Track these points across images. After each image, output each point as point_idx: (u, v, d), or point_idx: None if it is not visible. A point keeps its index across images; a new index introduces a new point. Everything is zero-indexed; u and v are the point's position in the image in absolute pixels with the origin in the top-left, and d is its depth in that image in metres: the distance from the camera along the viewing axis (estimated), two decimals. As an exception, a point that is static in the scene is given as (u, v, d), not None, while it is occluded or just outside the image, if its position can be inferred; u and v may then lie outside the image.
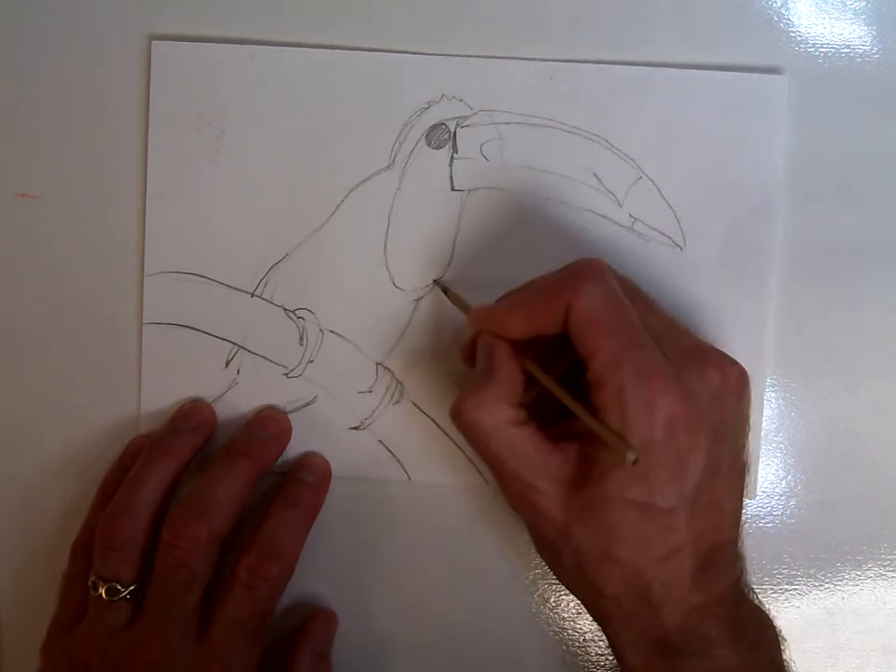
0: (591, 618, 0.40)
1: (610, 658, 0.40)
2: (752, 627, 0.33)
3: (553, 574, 0.35)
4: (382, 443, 0.39)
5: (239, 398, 0.39)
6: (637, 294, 0.34)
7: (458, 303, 0.38)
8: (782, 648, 0.34)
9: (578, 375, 0.32)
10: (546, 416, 0.34)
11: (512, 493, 0.34)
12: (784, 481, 0.40)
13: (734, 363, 0.33)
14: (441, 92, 0.38)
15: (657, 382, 0.30)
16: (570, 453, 0.33)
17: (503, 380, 0.33)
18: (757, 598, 0.34)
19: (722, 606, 0.32)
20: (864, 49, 0.39)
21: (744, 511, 0.34)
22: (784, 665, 0.34)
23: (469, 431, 0.33)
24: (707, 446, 0.31)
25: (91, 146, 0.39)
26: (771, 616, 0.34)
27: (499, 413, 0.32)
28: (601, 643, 0.40)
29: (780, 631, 0.34)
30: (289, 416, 0.39)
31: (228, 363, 0.39)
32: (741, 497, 0.34)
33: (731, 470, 0.33)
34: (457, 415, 0.33)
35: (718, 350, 0.33)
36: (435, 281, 0.39)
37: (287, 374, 0.39)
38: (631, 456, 0.30)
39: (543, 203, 0.39)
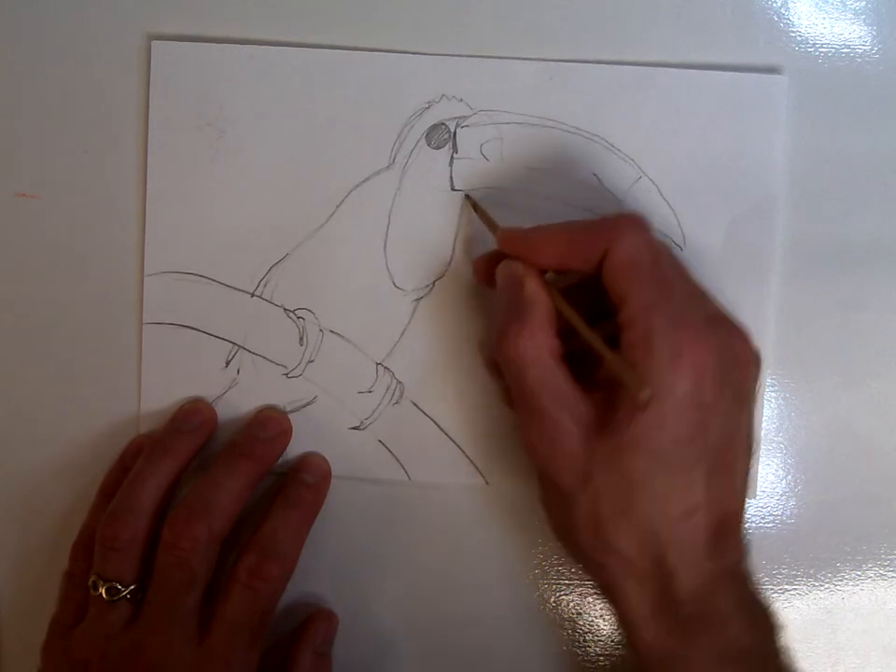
0: (591, 615, 0.40)
1: (610, 658, 0.40)
2: (760, 609, 0.33)
3: (559, 539, 0.35)
4: (382, 443, 0.39)
5: (239, 398, 0.39)
6: (674, 256, 0.34)
7: (486, 221, 0.37)
8: (783, 635, 0.34)
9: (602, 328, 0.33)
10: (574, 369, 0.34)
11: (537, 430, 0.33)
12: (784, 481, 0.40)
13: (753, 340, 0.33)
14: (441, 92, 0.38)
15: (688, 332, 0.31)
16: (597, 399, 0.33)
17: (543, 309, 0.33)
18: (761, 588, 0.34)
19: (733, 580, 0.32)
20: (864, 49, 0.39)
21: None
22: (787, 652, 0.33)
23: (513, 362, 0.33)
24: (728, 406, 0.32)
25: (91, 146, 0.39)
26: (772, 605, 0.34)
27: (542, 341, 0.32)
28: (601, 643, 0.40)
29: (780, 619, 0.34)
30: (289, 416, 0.39)
31: (228, 363, 0.39)
32: (748, 472, 0.34)
33: (744, 442, 0.33)
34: (503, 346, 0.33)
35: (742, 325, 0.34)
36: (466, 195, 0.39)
37: (287, 374, 0.39)
38: (645, 394, 0.30)
39: (543, 202, 0.39)
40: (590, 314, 0.33)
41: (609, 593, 0.34)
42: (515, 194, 0.39)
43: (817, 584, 0.40)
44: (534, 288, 0.34)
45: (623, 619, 0.34)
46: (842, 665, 0.40)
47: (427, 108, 0.39)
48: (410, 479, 0.39)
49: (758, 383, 0.34)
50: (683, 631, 0.32)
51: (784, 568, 0.40)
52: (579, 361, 0.34)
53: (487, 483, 0.39)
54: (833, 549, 0.40)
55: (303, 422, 0.39)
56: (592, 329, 0.32)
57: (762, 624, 0.33)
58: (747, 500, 0.34)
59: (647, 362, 0.31)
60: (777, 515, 0.40)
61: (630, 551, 0.32)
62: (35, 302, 0.40)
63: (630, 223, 0.33)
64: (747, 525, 0.34)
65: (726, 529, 0.32)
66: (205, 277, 0.39)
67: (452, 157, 0.39)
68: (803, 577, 0.40)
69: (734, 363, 0.32)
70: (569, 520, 0.33)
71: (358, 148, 0.39)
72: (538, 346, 0.32)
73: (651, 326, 0.31)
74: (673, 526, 0.31)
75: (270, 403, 0.39)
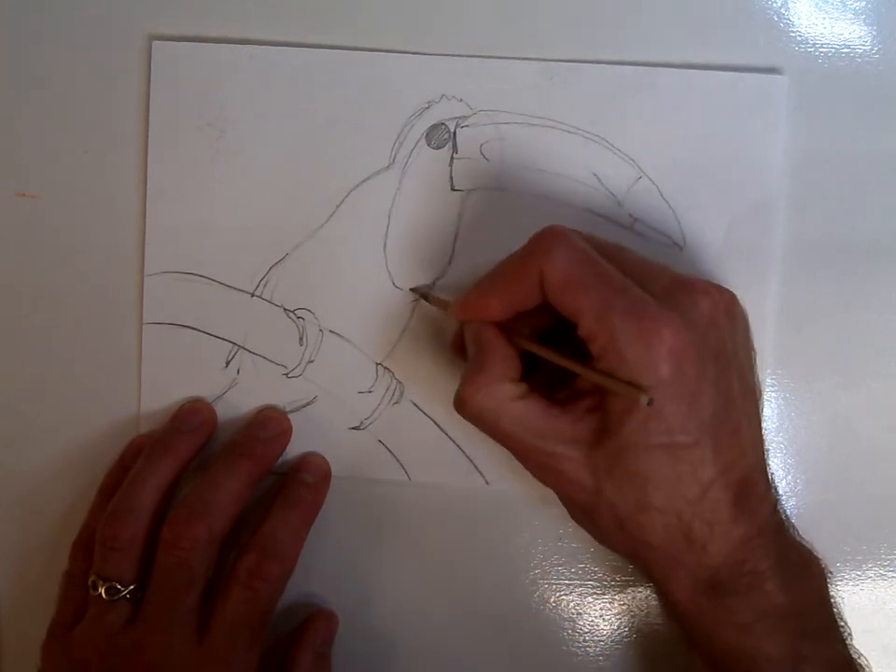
0: (591, 615, 0.40)
1: (610, 658, 0.40)
2: (798, 559, 0.33)
3: (595, 539, 0.35)
4: (382, 443, 0.39)
5: (239, 398, 0.39)
6: (607, 246, 0.34)
7: (439, 304, 0.38)
8: (829, 582, 0.34)
9: (571, 334, 0.33)
10: (550, 386, 0.34)
11: (535, 467, 0.33)
12: (784, 481, 0.40)
13: (721, 288, 0.33)
14: (440, 92, 0.38)
15: (648, 319, 0.30)
16: (580, 411, 0.33)
17: (496, 360, 0.33)
18: (799, 534, 0.34)
19: (766, 535, 0.32)
20: (864, 49, 0.39)
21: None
22: (831, 601, 0.34)
23: (477, 417, 0.33)
24: (715, 373, 0.31)
25: (91, 146, 0.39)
26: (814, 549, 0.34)
27: (500, 392, 0.33)
28: (601, 643, 0.40)
29: (825, 565, 0.34)
30: (289, 416, 0.39)
31: (228, 363, 0.39)
32: (759, 422, 0.34)
33: (743, 396, 0.33)
34: (461, 405, 0.33)
35: (702, 279, 0.33)
36: (412, 289, 0.39)
37: (287, 374, 0.39)
38: (644, 399, 0.29)
39: (543, 202, 0.39)
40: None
41: (648, 575, 0.34)
42: (515, 194, 0.39)
43: (817, 584, 0.40)
44: (487, 339, 0.34)
45: (661, 592, 0.34)
46: (842, 665, 0.40)
47: (427, 108, 0.39)
48: (410, 479, 0.39)
49: (741, 326, 0.34)
50: (719, 596, 0.32)
51: (784, 568, 0.40)
52: (562, 378, 0.34)
53: (487, 482, 0.39)
54: (833, 549, 0.40)
55: (303, 422, 0.39)
56: (565, 356, 0.32)
57: (799, 576, 0.33)
58: (765, 447, 0.34)
59: (621, 366, 0.30)
60: (777, 515, 0.40)
61: (658, 540, 0.32)
62: (35, 302, 0.40)
63: (549, 241, 0.32)
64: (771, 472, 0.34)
65: (748, 488, 0.32)
66: (205, 277, 0.39)
67: (452, 157, 0.39)
68: (803, 577, 0.40)
69: (706, 325, 0.32)
70: (596, 528, 0.34)
71: (358, 148, 0.39)
72: (494, 397, 0.32)
73: (612, 330, 0.30)
74: (693, 507, 0.31)
75: (270, 403, 0.39)
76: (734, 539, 0.32)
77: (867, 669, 0.34)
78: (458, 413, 0.34)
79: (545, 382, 0.34)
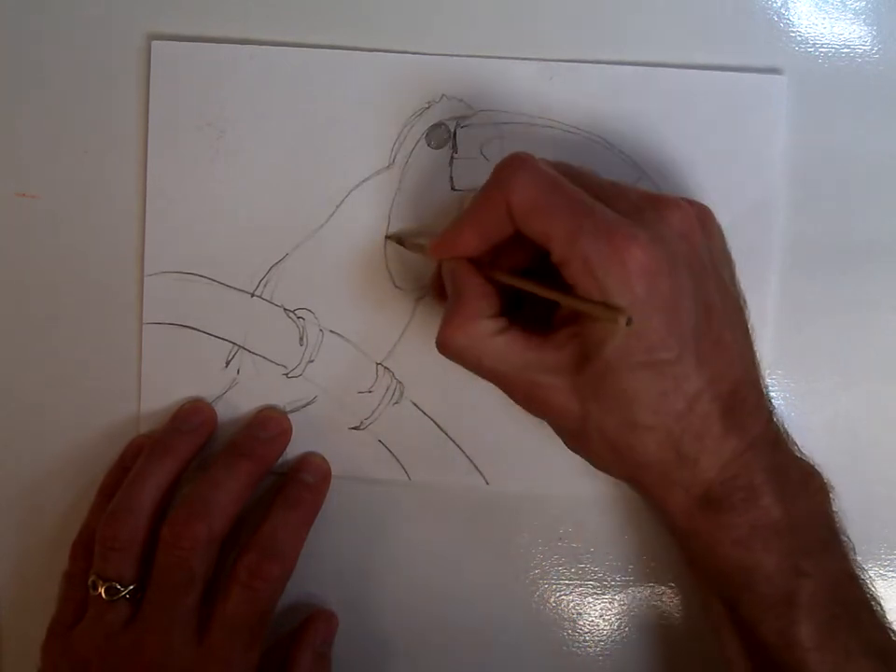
0: (591, 615, 0.40)
1: (610, 658, 0.40)
2: (796, 474, 0.33)
3: (592, 465, 0.35)
4: (382, 443, 0.39)
5: (239, 398, 0.39)
6: (574, 169, 0.34)
7: (416, 248, 0.37)
8: (830, 496, 0.33)
9: (550, 271, 0.32)
10: (533, 324, 0.34)
11: (523, 398, 0.33)
12: (784, 481, 0.40)
13: (691, 201, 0.33)
14: (441, 92, 0.38)
15: (618, 238, 0.30)
16: (561, 339, 0.32)
17: (472, 296, 0.33)
18: (798, 450, 0.34)
19: (759, 449, 0.32)
20: (864, 49, 0.39)
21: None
22: (832, 516, 0.33)
23: (459, 357, 0.33)
24: (691, 286, 0.31)
25: (91, 146, 0.39)
26: (816, 466, 0.34)
27: (479, 329, 0.32)
28: (601, 643, 0.40)
29: (827, 480, 0.34)
30: (289, 416, 0.39)
31: (228, 363, 0.39)
32: (746, 333, 0.34)
33: (725, 306, 0.32)
34: (442, 346, 0.33)
35: (670, 194, 0.33)
36: (388, 236, 0.39)
37: (287, 374, 0.39)
38: (623, 320, 0.29)
39: (543, 202, 0.39)
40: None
41: (645, 496, 0.34)
42: (515, 194, 0.39)
43: (817, 584, 0.40)
44: (462, 276, 0.33)
45: (659, 511, 0.34)
46: (842, 665, 0.40)
47: (427, 108, 0.39)
48: (410, 479, 0.40)
49: (716, 237, 0.33)
50: (715, 512, 0.32)
51: (784, 568, 0.40)
52: (537, 314, 0.33)
53: (487, 483, 0.39)
54: (834, 549, 0.40)
55: (303, 422, 0.39)
56: (542, 285, 0.32)
57: (797, 492, 0.33)
58: (756, 360, 0.34)
59: (595, 289, 0.30)
60: (777, 515, 0.40)
61: (650, 458, 0.32)
62: (34, 302, 0.40)
63: (512, 168, 0.32)
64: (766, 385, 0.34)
65: (738, 401, 0.32)
66: (205, 277, 0.39)
67: (452, 157, 0.39)
68: (803, 577, 0.40)
69: (676, 238, 0.31)
70: (590, 453, 0.34)
71: (358, 148, 0.39)
72: (474, 335, 0.32)
73: (583, 252, 0.30)
74: (682, 421, 0.31)
75: (270, 403, 0.39)
76: (725, 452, 0.32)
77: (869, 583, 0.33)
78: (442, 354, 0.33)
79: (527, 321, 0.34)
